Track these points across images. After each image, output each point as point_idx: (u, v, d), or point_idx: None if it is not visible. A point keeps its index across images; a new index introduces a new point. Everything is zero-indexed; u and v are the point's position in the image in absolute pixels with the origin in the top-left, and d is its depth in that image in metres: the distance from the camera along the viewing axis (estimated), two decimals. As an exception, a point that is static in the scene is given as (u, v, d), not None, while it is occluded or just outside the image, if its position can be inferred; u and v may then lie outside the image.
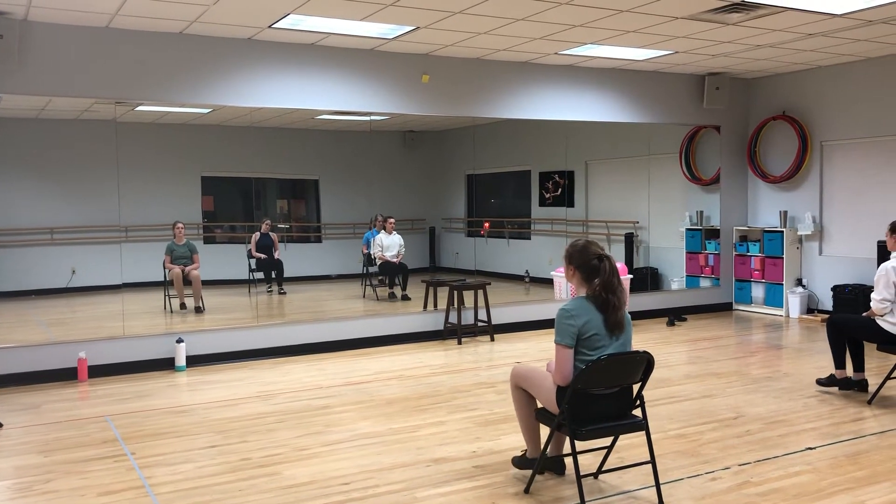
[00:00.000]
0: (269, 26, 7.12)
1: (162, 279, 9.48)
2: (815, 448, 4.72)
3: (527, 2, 6.43)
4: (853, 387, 5.99)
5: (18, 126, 9.25)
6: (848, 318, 6.22)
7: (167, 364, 7.31)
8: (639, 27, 7.37)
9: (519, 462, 4.31)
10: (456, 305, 8.58)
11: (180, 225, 9.60)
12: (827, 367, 6.47)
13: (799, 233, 9.98)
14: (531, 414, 4.15)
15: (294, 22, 6.98)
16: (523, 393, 4.16)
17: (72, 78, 6.95)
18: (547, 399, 3.92)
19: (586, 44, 8.08)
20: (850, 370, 6.03)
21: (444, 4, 6.48)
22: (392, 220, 10.40)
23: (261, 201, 11.33)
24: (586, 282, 3.82)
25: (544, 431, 4.12)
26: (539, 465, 4.05)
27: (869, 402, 5.71)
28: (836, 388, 6.06)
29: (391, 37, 7.60)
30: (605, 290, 3.74)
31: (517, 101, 9.11)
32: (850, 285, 9.27)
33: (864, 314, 5.88)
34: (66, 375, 6.90)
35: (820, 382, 6.15)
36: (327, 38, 7.63)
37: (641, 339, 8.52)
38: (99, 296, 9.31)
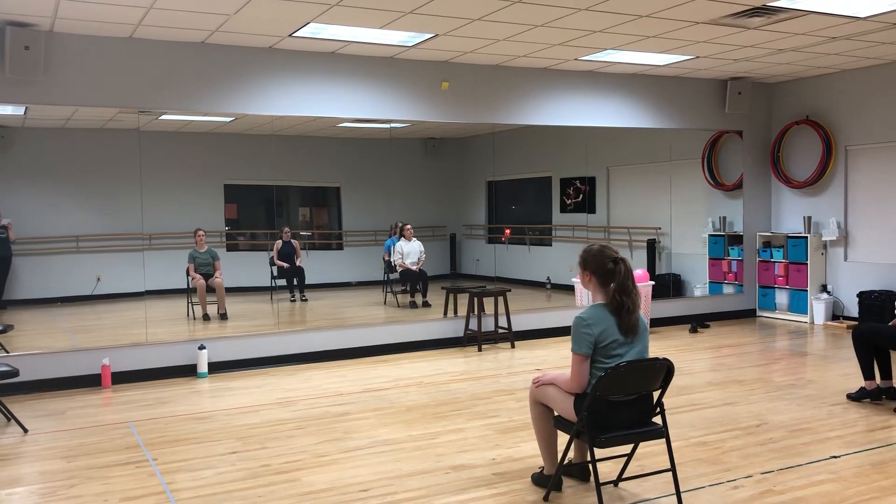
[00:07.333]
0: (290, 35, 7.18)
1: (185, 286, 9.56)
2: (839, 456, 4.65)
3: (546, 8, 6.42)
4: (882, 395, 5.88)
5: (44, 136, 9.39)
6: (874, 328, 6.07)
7: (189, 371, 7.37)
8: (659, 32, 7.34)
9: (538, 479, 4.23)
10: (476, 312, 8.57)
11: (201, 232, 9.69)
12: (851, 373, 6.39)
13: (823, 238, 9.86)
14: (548, 429, 4.11)
15: (314, 31, 7.03)
16: (542, 408, 4.10)
17: (96, 88, 7.05)
18: (564, 408, 3.89)
19: (606, 49, 8.06)
20: (877, 378, 5.93)
21: (463, 11, 6.50)
22: (409, 227, 10.42)
23: (283, 209, 11.40)
24: (603, 286, 3.82)
25: (561, 445, 4.10)
26: (556, 477, 4.02)
27: (895, 410, 5.62)
28: (868, 401, 5.89)
29: (411, 44, 7.64)
30: (619, 293, 3.74)
31: (537, 107, 9.09)
32: (875, 291, 9.14)
33: (891, 323, 5.78)
34: (90, 382, 6.97)
35: (851, 397, 5.97)
36: (347, 46, 7.67)
37: (664, 345, 8.46)
38: (123, 303, 9.41)
